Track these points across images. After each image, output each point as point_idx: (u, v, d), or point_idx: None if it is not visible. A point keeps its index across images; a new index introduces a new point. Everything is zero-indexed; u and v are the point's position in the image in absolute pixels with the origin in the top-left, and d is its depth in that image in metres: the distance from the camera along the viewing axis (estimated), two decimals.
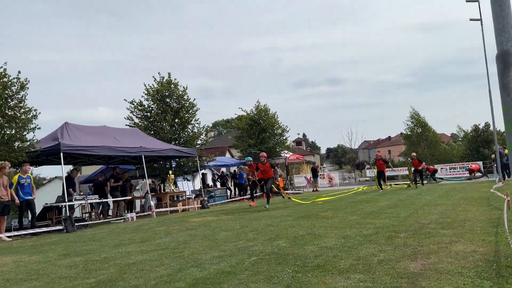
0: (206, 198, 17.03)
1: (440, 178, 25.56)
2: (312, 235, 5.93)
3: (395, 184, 22.99)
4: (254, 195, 13.84)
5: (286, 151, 28.09)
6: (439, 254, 4.13)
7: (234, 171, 23.40)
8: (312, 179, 27.99)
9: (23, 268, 5.15)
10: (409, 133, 38.85)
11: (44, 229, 10.90)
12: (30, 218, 11.12)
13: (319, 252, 4.63)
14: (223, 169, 26.28)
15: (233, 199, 20.69)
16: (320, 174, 30.92)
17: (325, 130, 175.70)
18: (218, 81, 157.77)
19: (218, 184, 22.87)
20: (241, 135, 25.90)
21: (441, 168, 27.98)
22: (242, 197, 20.74)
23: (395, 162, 51.54)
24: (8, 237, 9.95)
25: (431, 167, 26.24)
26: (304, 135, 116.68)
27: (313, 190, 25.20)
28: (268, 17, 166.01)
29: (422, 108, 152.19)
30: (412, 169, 19.40)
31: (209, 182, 24.75)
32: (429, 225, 6.14)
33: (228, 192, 22.32)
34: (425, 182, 23.58)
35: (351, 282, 3.34)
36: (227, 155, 39.24)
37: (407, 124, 38.72)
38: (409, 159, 22.14)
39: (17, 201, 10.45)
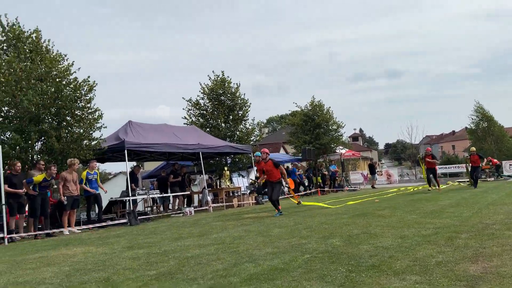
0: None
1: (508, 176, 23.96)
2: (367, 234, 5.84)
3: (459, 182, 21.87)
4: (262, 200, 11.16)
5: (341, 147, 27.65)
6: (503, 257, 3.92)
7: (288, 167, 23.44)
8: (369, 175, 27.33)
9: (91, 259, 5.54)
10: (473, 127, 36.79)
11: (110, 222, 11.61)
12: (97, 212, 11.88)
13: (374, 252, 4.57)
14: None
15: (288, 196, 20.75)
16: (377, 171, 30.13)
17: (383, 124, 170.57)
18: (272, 78, 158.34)
19: None
20: (295, 131, 25.84)
21: (510, 165, 26.19)
22: (295, 194, 20.78)
23: (459, 158, 48.94)
24: (78, 229, 10.73)
25: (495, 160, 24.61)
26: (361, 130, 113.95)
27: (372, 187, 24.61)
28: (322, 10, 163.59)
29: (489, 100, 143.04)
30: (469, 165, 16.98)
31: None
32: (494, 226, 5.82)
33: (286, 189, 22.40)
34: (491, 179, 22.18)
35: (406, 284, 3.28)
36: (282, 151, 39.30)
37: (472, 118, 36.68)
38: (466, 155, 20.70)
39: (92, 190, 11.31)
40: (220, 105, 19.30)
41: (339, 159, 26.98)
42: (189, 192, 16.34)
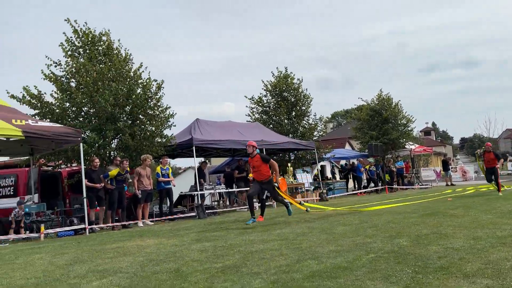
0: (324, 191, 17.07)
1: None
2: (437, 234, 5.60)
3: None
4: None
5: (411, 142, 26.51)
6: None
7: (353, 163, 22.97)
8: (442, 172, 25.93)
9: (162, 250, 5.88)
10: None
11: (180, 215, 12.19)
12: (168, 205, 12.52)
13: (444, 253, 4.38)
14: (344, 161, 25.98)
15: (353, 192, 20.38)
16: (451, 167, 28.45)
17: (458, 118, 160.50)
18: (338, 71, 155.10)
19: (337, 177, 22.69)
20: (361, 126, 25.21)
21: None
22: (360, 191, 20.35)
23: None
24: (151, 221, 11.38)
25: None
26: (433, 124, 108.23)
27: (446, 185, 23.32)
28: None
29: None
30: None
31: (328, 174, 24.67)
32: None
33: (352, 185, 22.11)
34: None
35: (476, 287, 3.13)
36: (347, 146, 38.54)
37: None
38: None
39: (169, 179, 11.96)
40: (283, 101, 19.38)
41: (408, 155, 25.89)
42: None
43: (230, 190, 15.40)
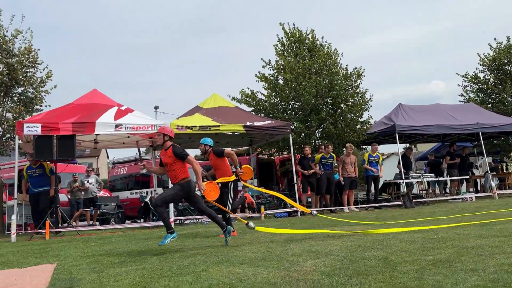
0: None
1: None
2: None
3: None
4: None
5: None
6: None
7: None
8: None
9: (369, 237, 6.04)
10: None
11: (385, 203, 12.08)
12: (373, 192, 12.56)
13: None
14: None
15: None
16: None
17: None
18: None
19: None
20: None
21: None
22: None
23: None
24: (356, 208, 11.66)
25: None
26: None
27: None
28: None
29: None
30: None
31: None
32: None
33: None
34: None
35: None
36: None
37: None
38: None
39: (374, 170, 12.12)
40: (506, 76, 16.75)
41: None
42: (468, 176, 15.06)
43: (441, 179, 14.32)
